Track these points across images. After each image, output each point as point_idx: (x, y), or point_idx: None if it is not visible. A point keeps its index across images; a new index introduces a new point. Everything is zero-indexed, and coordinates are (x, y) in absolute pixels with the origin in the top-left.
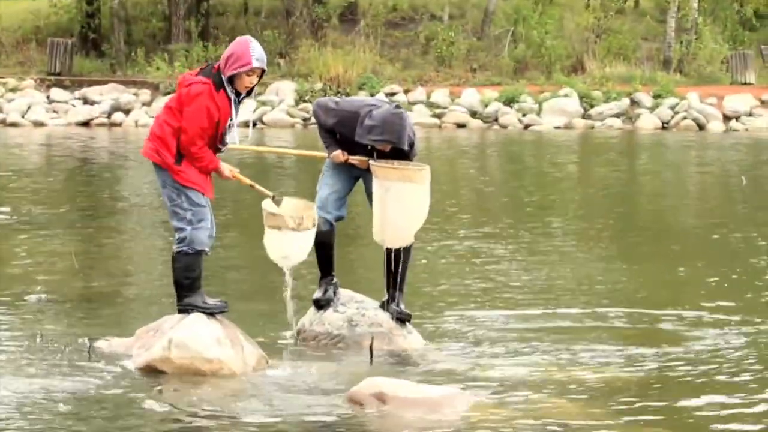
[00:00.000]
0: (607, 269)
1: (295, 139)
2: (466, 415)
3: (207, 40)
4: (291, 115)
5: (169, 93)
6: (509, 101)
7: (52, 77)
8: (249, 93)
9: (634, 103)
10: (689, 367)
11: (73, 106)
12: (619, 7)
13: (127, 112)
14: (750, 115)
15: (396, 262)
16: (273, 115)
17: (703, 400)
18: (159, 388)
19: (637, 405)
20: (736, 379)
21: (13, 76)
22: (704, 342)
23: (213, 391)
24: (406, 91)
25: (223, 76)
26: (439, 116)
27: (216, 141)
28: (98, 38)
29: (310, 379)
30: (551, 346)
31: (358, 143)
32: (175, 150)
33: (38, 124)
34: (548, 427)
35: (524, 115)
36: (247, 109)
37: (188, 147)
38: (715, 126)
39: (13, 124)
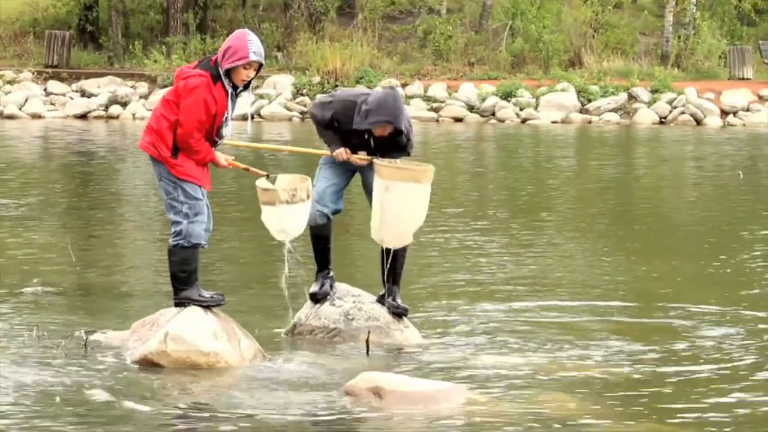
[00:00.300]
0: (604, 263)
1: (293, 133)
2: (462, 410)
3: (205, 32)
4: (288, 109)
5: (166, 86)
6: (507, 95)
7: (50, 69)
8: (246, 86)
9: (632, 97)
10: (688, 362)
11: (71, 98)
12: (617, 2)
13: (124, 104)
14: (747, 110)
15: (392, 256)
16: (270, 109)
17: (702, 394)
18: (155, 381)
19: (634, 399)
20: (736, 373)
21: (10, 68)
22: (703, 336)
23: (209, 384)
24: (404, 85)
25: (220, 69)
26: (436, 110)
27: (212, 134)
28: (96, 31)
29: (306, 373)
30: (548, 341)
31: (356, 133)
32: (172, 143)
33: (36, 116)
34: (544, 422)
35: (521, 110)
36: (244, 103)
37: (185, 140)
38: (713, 121)
39: (11, 117)
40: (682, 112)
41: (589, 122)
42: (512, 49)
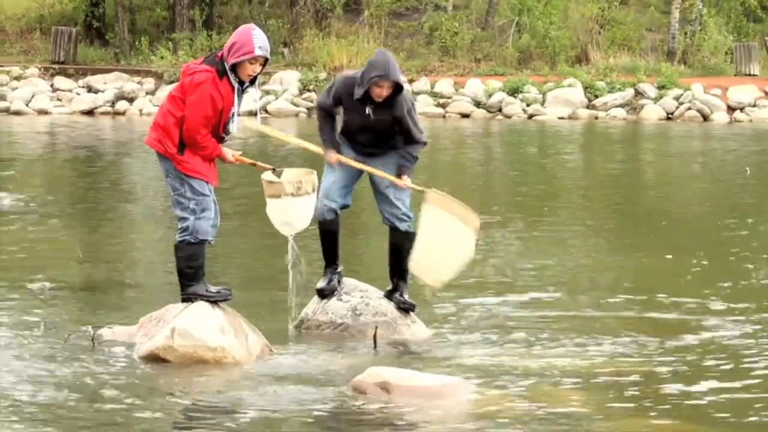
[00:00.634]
0: (611, 258)
1: (299, 129)
2: (469, 405)
3: (211, 29)
4: (295, 105)
5: (173, 82)
6: (513, 91)
7: (56, 66)
8: (252, 82)
9: (639, 93)
10: (694, 357)
11: (77, 94)
12: None
13: (131, 100)
14: (754, 106)
15: (399, 252)
16: (277, 105)
17: (708, 389)
18: (162, 376)
19: (640, 394)
20: (742, 367)
21: (17, 64)
22: (710, 331)
23: (216, 379)
24: (411, 81)
25: (226, 65)
26: (443, 106)
27: (219, 130)
28: (102, 27)
29: (313, 368)
30: (554, 336)
31: (359, 112)
32: (178, 139)
33: (42, 112)
34: (550, 417)
35: (528, 105)
36: (251, 99)
37: (192, 135)
38: (720, 117)
39: (17, 113)
40: (689, 108)
41: (596, 118)
42: (519, 45)
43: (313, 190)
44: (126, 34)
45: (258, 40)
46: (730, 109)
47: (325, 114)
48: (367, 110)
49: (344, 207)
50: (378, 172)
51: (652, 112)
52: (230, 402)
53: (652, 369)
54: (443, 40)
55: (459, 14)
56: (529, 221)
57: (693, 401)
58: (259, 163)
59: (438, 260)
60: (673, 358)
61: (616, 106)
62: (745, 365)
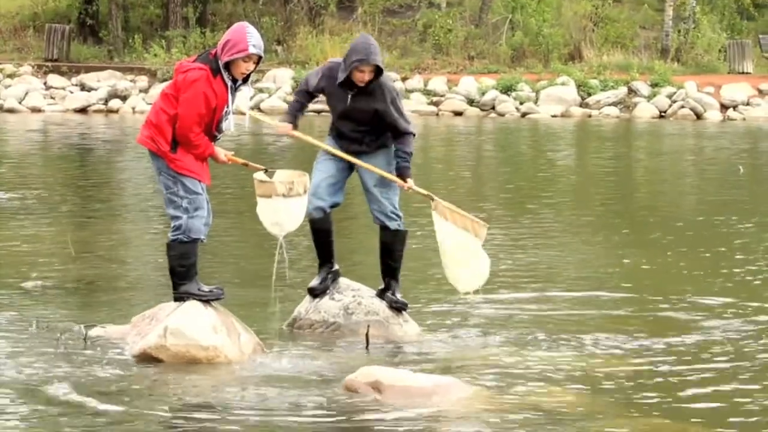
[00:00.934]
0: (605, 256)
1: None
2: (462, 405)
3: (204, 26)
4: (288, 102)
5: (166, 80)
6: (506, 89)
7: (50, 63)
8: (245, 80)
9: (632, 91)
10: (690, 355)
11: (71, 92)
12: None
13: (124, 98)
14: (747, 104)
15: (389, 251)
16: (270, 103)
17: (705, 388)
18: (154, 375)
19: (636, 394)
20: (739, 366)
21: (10, 62)
22: (706, 329)
23: (208, 378)
24: (404, 79)
25: (219, 62)
26: (436, 104)
27: (212, 128)
28: (96, 24)
29: (305, 368)
30: (549, 335)
31: (340, 96)
32: (171, 137)
33: (35, 110)
34: (545, 416)
35: (521, 103)
36: (243, 96)
37: (184, 133)
38: (713, 115)
39: (11, 110)
40: (682, 106)
41: (589, 116)
42: (512, 43)
43: (305, 191)
44: (119, 32)
45: (252, 38)
46: (724, 108)
47: (299, 90)
48: (348, 96)
49: (334, 205)
50: (368, 166)
51: (645, 110)
52: (222, 401)
53: (647, 368)
54: (437, 38)
55: (452, 11)
56: (520, 219)
57: (692, 401)
58: (252, 164)
59: (463, 269)
60: (668, 357)
61: (609, 104)
62: (742, 364)
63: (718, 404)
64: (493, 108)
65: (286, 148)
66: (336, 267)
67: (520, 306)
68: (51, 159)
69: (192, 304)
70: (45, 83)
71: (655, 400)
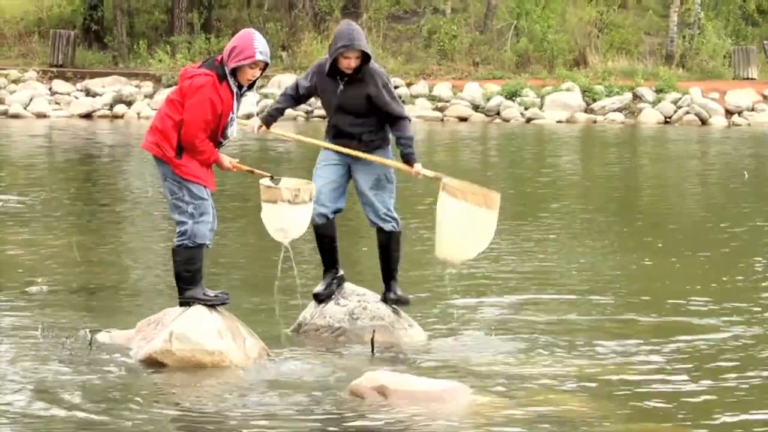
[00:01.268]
0: (611, 261)
1: (297, 132)
2: (467, 409)
3: (209, 32)
4: (293, 108)
5: (171, 85)
6: (511, 95)
7: (55, 69)
8: (251, 86)
9: (637, 97)
10: (695, 359)
11: (76, 98)
12: (622, 2)
13: (129, 104)
14: (752, 110)
15: (386, 253)
16: None
17: (710, 392)
18: (159, 380)
19: (640, 399)
20: (743, 369)
21: (15, 67)
22: (710, 333)
23: (213, 383)
24: (409, 85)
25: (226, 69)
26: (441, 110)
27: (217, 134)
28: (101, 30)
29: (311, 373)
30: (555, 339)
31: (330, 89)
32: (176, 143)
33: (40, 115)
34: (550, 422)
35: (526, 109)
36: (250, 102)
37: (190, 139)
38: (718, 121)
39: (16, 116)
40: (687, 112)
41: (594, 122)
42: (517, 49)
43: (310, 199)
44: (124, 38)
45: (259, 44)
46: (728, 113)
47: (284, 93)
48: (340, 86)
49: (337, 211)
50: (372, 157)
51: (650, 116)
52: (227, 406)
53: (653, 373)
54: (441, 44)
55: (457, 18)
56: (525, 223)
57: (698, 406)
58: (257, 171)
59: (459, 242)
60: (676, 362)
61: (614, 110)
62: (750, 368)
63: (722, 408)
64: (498, 114)
65: (289, 153)
66: (341, 272)
67: (525, 310)
68: (56, 164)
69: (197, 309)
70: (50, 89)
71: (662, 406)
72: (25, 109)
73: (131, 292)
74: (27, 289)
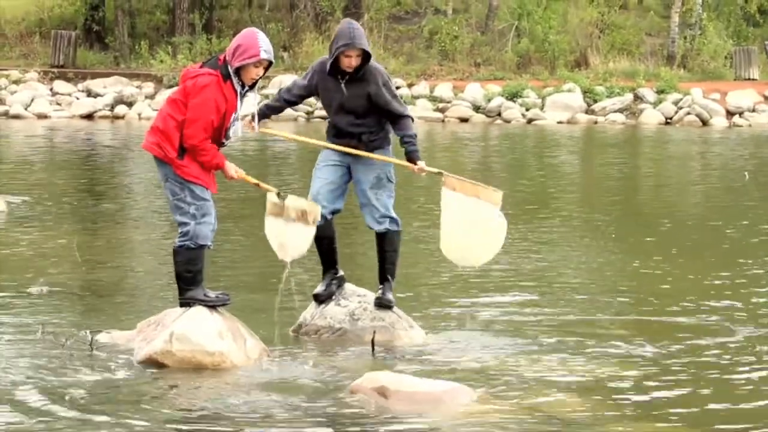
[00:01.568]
0: (611, 262)
1: (298, 133)
2: (468, 410)
3: (211, 33)
4: (294, 109)
5: (172, 86)
6: (512, 96)
7: (56, 69)
8: (252, 86)
9: (638, 98)
10: (695, 361)
11: (77, 98)
12: (623, 2)
13: (130, 104)
14: (753, 110)
15: (383, 252)
16: None
17: (710, 394)
18: (160, 381)
19: (643, 400)
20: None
21: (16, 68)
22: (718, 335)
23: (214, 384)
24: (410, 85)
25: (230, 68)
26: (442, 110)
27: (221, 134)
28: (102, 31)
29: (311, 373)
30: (556, 340)
31: (333, 90)
32: (178, 144)
33: (41, 116)
34: (551, 423)
35: (527, 110)
36: (250, 103)
37: (192, 141)
38: (719, 121)
39: (17, 116)
40: (688, 113)
41: (595, 123)
42: (518, 50)
43: (314, 222)
44: (126, 38)
45: (263, 43)
46: (729, 114)
47: (279, 93)
48: (342, 85)
49: (335, 212)
50: (378, 156)
51: (651, 117)
52: (228, 407)
53: (657, 374)
54: (443, 44)
55: (458, 18)
56: (526, 224)
57: (696, 405)
58: (263, 184)
59: (466, 242)
60: (678, 362)
61: (615, 111)
62: (756, 368)
63: (722, 411)
64: (499, 114)
65: (288, 154)
66: (340, 273)
67: (526, 310)
68: (57, 165)
69: (198, 310)
70: (51, 89)
71: (664, 406)
72: (26, 109)
73: (132, 293)
74: (27, 290)
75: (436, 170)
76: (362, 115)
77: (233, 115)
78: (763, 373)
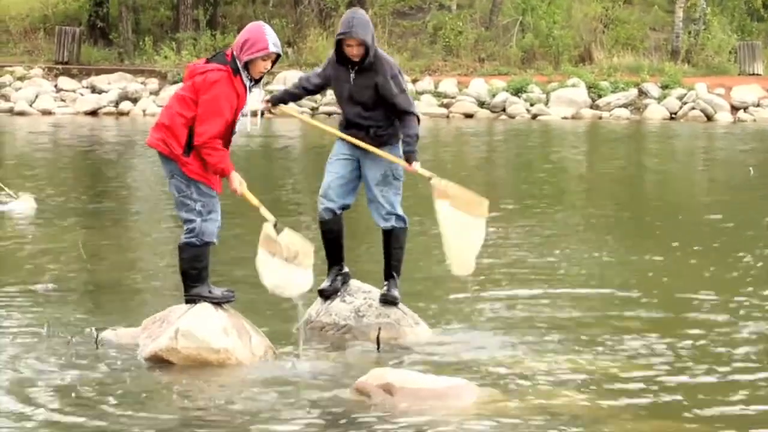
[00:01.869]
0: (615, 257)
1: (302, 129)
2: (473, 407)
3: (215, 28)
4: (299, 104)
5: (176, 82)
6: (517, 91)
7: (60, 66)
8: (258, 80)
9: (642, 93)
10: (712, 358)
11: (81, 94)
12: None
13: (134, 101)
14: (758, 105)
15: (388, 249)
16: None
17: (720, 392)
18: (165, 378)
19: (650, 398)
20: (762, 369)
21: (21, 64)
22: (726, 332)
23: (219, 381)
24: (414, 81)
25: (238, 63)
26: (446, 106)
27: (232, 131)
28: (106, 27)
29: (316, 370)
30: (562, 337)
31: (342, 79)
32: (185, 141)
33: (46, 112)
34: (556, 419)
35: (532, 105)
36: (255, 98)
37: (202, 137)
38: (723, 116)
39: (21, 113)
40: (693, 108)
41: (600, 118)
42: (522, 45)
43: (307, 267)
44: (130, 34)
45: (270, 36)
46: (734, 109)
47: (302, 77)
48: (351, 74)
49: (344, 207)
50: (378, 151)
51: (655, 112)
52: (233, 403)
53: (664, 371)
54: (447, 40)
55: (463, 13)
56: (532, 219)
57: (709, 404)
58: (263, 210)
59: (461, 251)
60: (686, 359)
61: (620, 106)
62: (758, 363)
63: (739, 408)
64: (504, 110)
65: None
66: (345, 269)
67: (532, 306)
68: (61, 162)
69: (203, 307)
70: (55, 86)
71: (672, 404)
72: (30, 106)
73: (137, 290)
74: (33, 287)
75: (427, 174)
76: (370, 107)
77: (242, 110)
78: None
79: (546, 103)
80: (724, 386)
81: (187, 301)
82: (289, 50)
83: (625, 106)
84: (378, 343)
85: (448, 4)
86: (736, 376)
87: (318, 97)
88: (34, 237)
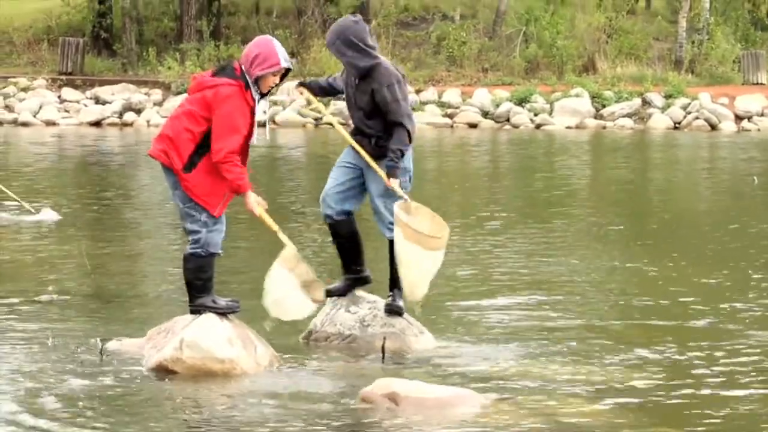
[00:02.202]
0: (618, 266)
1: (307, 140)
2: (478, 416)
3: (218, 39)
4: (302, 115)
5: (180, 93)
6: (521, 101)
7: (64, 77)
8: (266, 94)
9: (646, 103)
10: (718, 367)
11: (85, 105)
12: (631, 7)
13: (138, 111)
14: (762, 115)
15: (391, 259)
16: (284, 115)
17: (726, 400)
18: (170, 388)
19: (654, 407)
20: (751, 377)
21: (24, 75)
22: (732, 340)
23: (224, 391)
24: (418, 91)
25: (248, 77)
26: (450, 116)
27: (248, 144)
28: (110, 38)
29: (321, 380)
30: (564, 344)
31: (348, 83)
32: (188, 156)
33: (50, 123)
34: (562, 428)
35: (536, 115)
36: (261, 110)
37: (219, 154)
38: (727, 126)
39: (25, 124)
40: (696, 117)
41: (604, 128)
42: (526, 55)
43: (316, 300)
44: (133, 45)
45: (281, 51)
46: (738, 118)
47: (332, 77)
48: (355, 79)
49: (344, 213)
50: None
51: (659, 122)
52: (238, 414)
53: (666, 377)
54: (450, 50)
55: (466, 24)
56: (536, 228)
57: (711, 414)
58: (281, 235)
59: (413, 278)
60: (692, 368)
61: (624, 116)
62: (764, 374)
63: (732, 417)
64: (508, 120)
65: (301, 158)
66: (354, 276)
67: (536, 315)
68: (65, 172)
69: (208, 317)
70: (59, 96)
71: (678, 412)
72: (34, 117)
73: (141, 300)
74: (37, 298)
75: (404, 196)
76: (369, 114)
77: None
78: None
79: (550, 113)
80: (731, 395)
81: (192, 312)
82: (293, 61)
83: (628, 115)
84: (383, 353)
85: (451, 14)
86: (743, 384)
87: (321, 107)
88: (38, 247)
